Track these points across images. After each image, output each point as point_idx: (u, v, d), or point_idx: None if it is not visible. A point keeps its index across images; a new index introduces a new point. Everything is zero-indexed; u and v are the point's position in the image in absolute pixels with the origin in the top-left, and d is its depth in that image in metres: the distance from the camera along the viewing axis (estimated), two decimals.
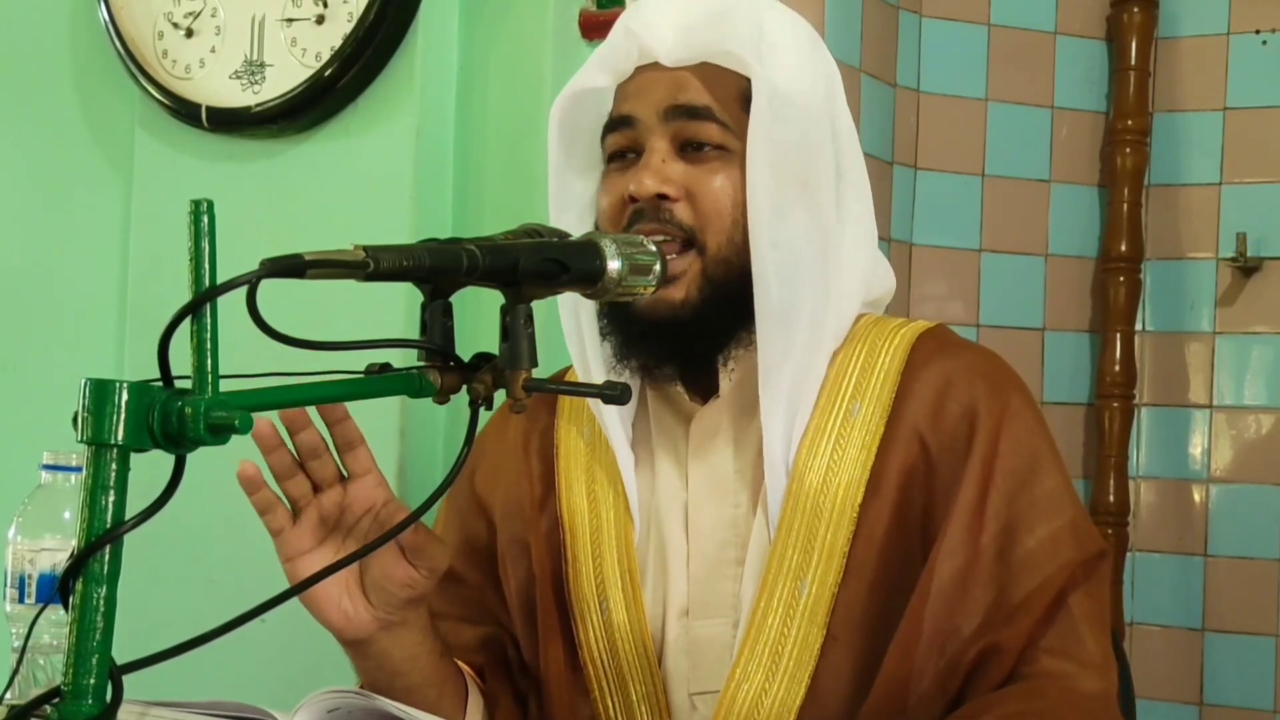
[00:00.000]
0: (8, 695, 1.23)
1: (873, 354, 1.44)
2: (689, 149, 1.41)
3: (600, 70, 1.46)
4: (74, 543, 0.96)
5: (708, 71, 1.41)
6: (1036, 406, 1.46)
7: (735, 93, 1.39)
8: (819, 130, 1.42)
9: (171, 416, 0.94)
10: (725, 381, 1.44)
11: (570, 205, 1.50)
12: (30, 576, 1.45)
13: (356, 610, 1.31)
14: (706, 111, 1.40)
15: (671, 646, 1.44)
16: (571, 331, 1.47)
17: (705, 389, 1.46)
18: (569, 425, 1.53)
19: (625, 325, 1.42)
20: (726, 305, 1.39)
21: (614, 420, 1.46)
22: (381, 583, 1.31)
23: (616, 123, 1.44)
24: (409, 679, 1.36)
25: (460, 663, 1.45)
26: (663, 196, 1.39)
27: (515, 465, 1.54)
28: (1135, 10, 2.80)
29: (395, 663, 1.35)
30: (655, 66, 1.42)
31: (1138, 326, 2.85)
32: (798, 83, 1.41)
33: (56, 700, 0.93)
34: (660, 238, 1.37)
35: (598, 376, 1.45)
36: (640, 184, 1.39)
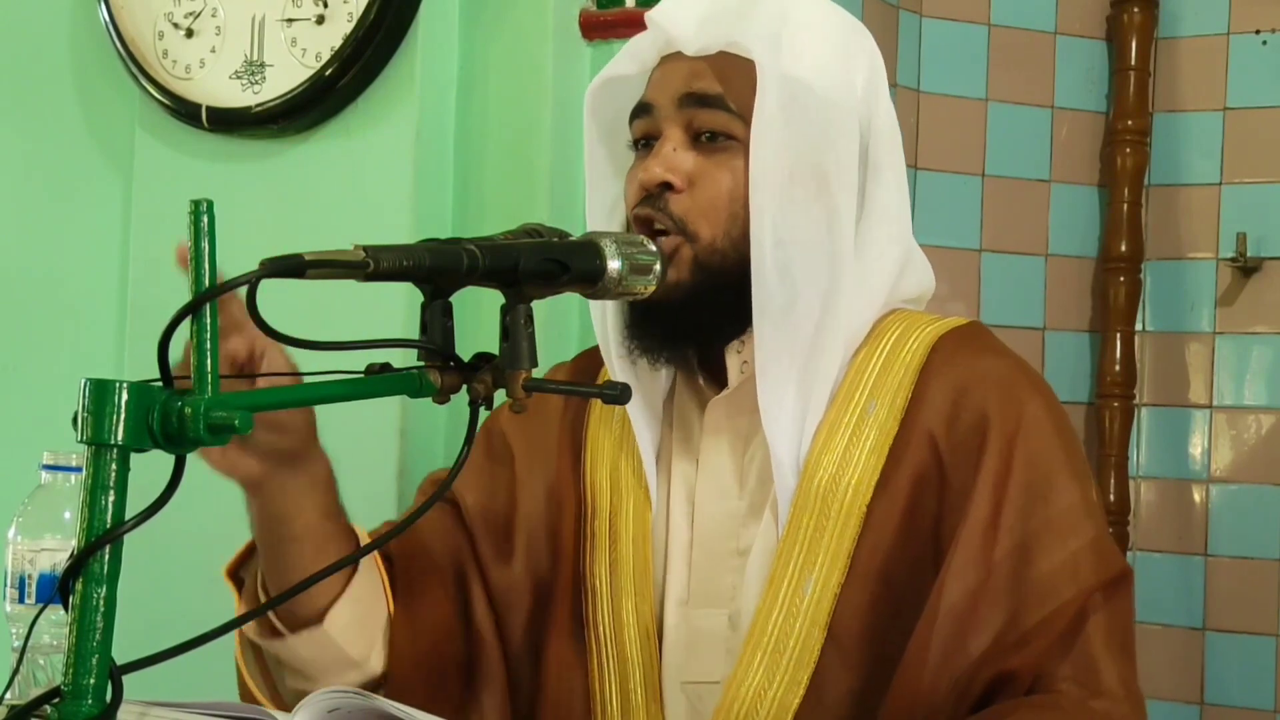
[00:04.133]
0: (8, 695, 1.23)
1: (897, 349, 1.43)
2: (703, 138, 1.40)
3: (628, 59, 1.47)
4: (74, 543, 0.96)
5: (727, 61, 1.40)
6: (1058, 413, 1.41)
7: (753, 84, 1.38)
8: (844, 123, 1.41)
9: (171, 416, 0.94)
10: (735, 373, 1.44)
11: (604, 197, 1.51)
12: (30, 576, 1.45)
13: (239, 458, 1.29)
14: (718, 100, 1.39)
15: (669, 634, 1.44)
16: (598, 319, 1.48)
17: (721, 379, 1.45)
18: (602, 405, 1.53)
19: (628, 307, 1.43)
20: (722, 295, 1.38)
21: (638, 405, 1.46)
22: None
23: (638, 109, 1.45)
24: (291, 528, 1.34)
25: (375, 559, 1.44)
26: (668, 186, 1.39)
27: (553, 420, 1.53)
28: (1135, 10, 2.81)
29: (280, 509, 1.33)
30: (679, 56, 1.42)
31: (1138, 326, 2.85)
32: (821, 73, 1.40)
33: (56, 700, 0.93)
34: (656, 225, 1.38)
35: (615, 360, 1.46)
36: (649, 172, 1.39)
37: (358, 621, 1.40)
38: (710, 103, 1.40)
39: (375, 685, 1.41)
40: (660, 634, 1.44)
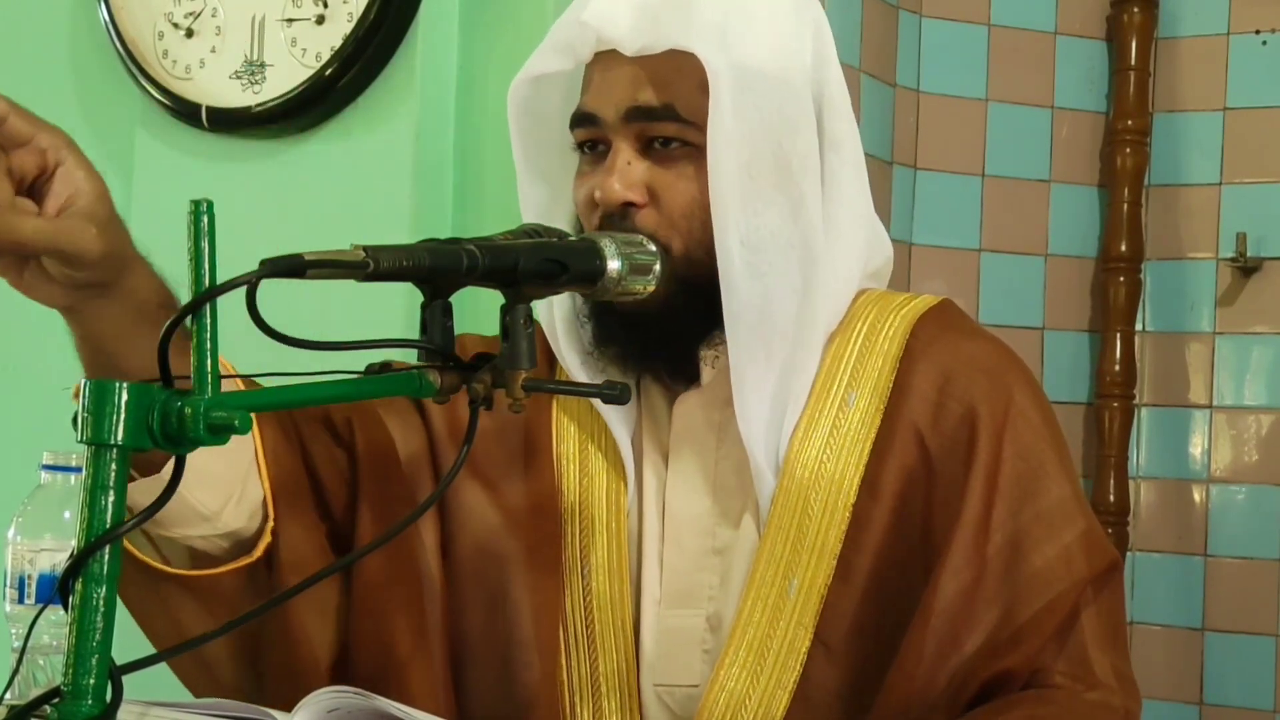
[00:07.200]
0: (8, 695, 1.23)
1: (872, 336, 1.40)
2: (655, 144, 1.35)
3: (558, 53, 1.39)
4: (74, 543, 0.96)
5: (670, 61, 1.33)
6: (1042, 401, 1.40)
7: (700, 82, 1.32)
8: (799, 102, 1.36)
9: (171, 416, 0.94)
10: (708, 369, 1.40)
11: (537, 197, 1.44)
12: (30, 576, 1.45)
13: (38, 283, 1.18)
14: (666, 111, 1.34)
15: (645, 634, 1.40)
16: (543, 312, 1.43)
17: (691, 376, 1.41)
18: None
19: (602, 316, 1.38)
20: (696, 301, 1.35)
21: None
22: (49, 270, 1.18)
23: (581, 118, 1.38)
24: (116, 362, 1.22)
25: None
26: (628, 203, 1.34)
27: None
28: (1135, 10, 2.81)
29: (102, 339, 1.22)
30: (616, 54, 1.35)
31: (1138, 326, 2.85)
32: (772, 54, 1.35)
33: (56, 700, 0.93)
34: None
35: (570, 360, 1.41)
36: (605, 190, 1.34)
37: (204, 473, 1.26)
38: (658, 115, 1.34)
39: (247, 546, 1.34)
40: (639, 633, 1.40)
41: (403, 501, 1.41)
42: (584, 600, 1.40)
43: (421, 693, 1.38)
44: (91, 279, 1.19)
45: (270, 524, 1.35)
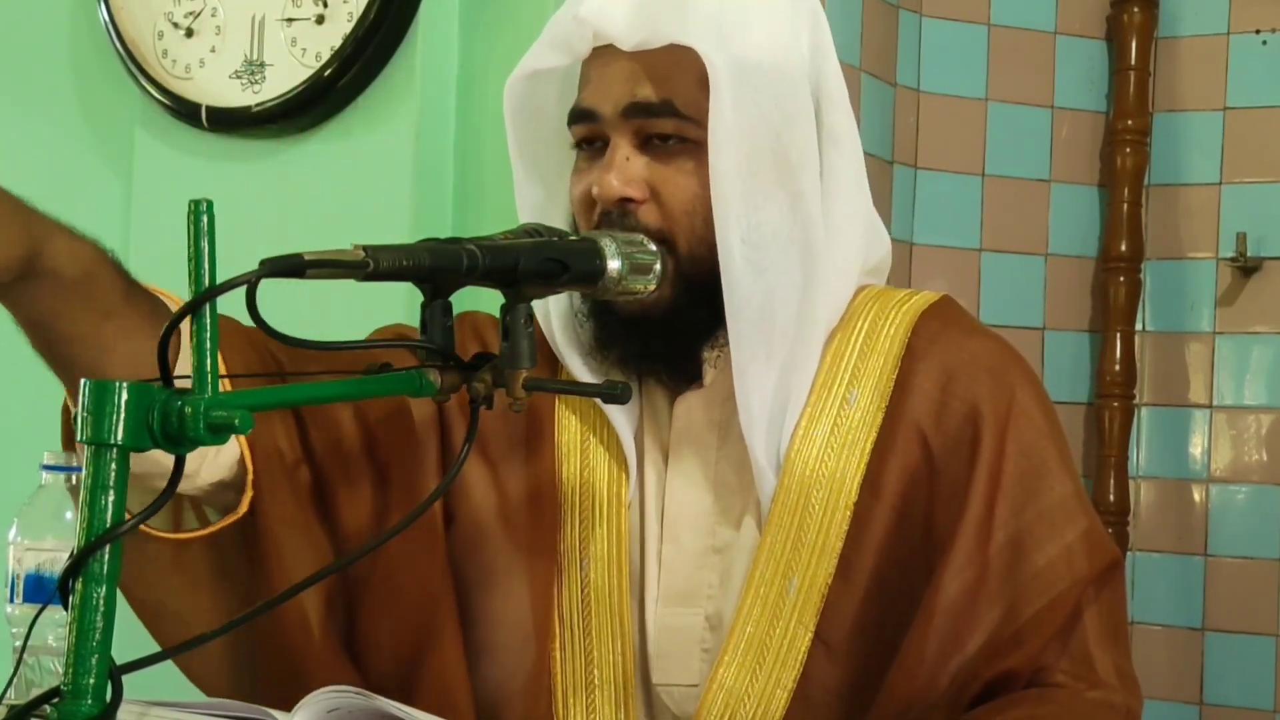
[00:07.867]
0: (8, 695, 1.23)
1: (873, 333, 1.39)
2: (654, 140, 1.34)
3: (555, 49, 1.37)
4: (73, 543, 0.96)
5: (669, 56, 1.32)
6: (1044, 399, 1.40)
7: (699, 77, 1.32)
8: (797, 99, 1.35)
9: (171, 416, 0.94)
10: (710, 368, 1.40)
11: (533, 196, 1.44)
12: (19, 577, 1.45)
13: None
14: (665, 107, 1.33)
15: (644, 631, 1.39)
16: (539, 311, 1.41)
17: (692, 376, 1.41)
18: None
19: (602, 315, 1.38)
20: (701, 300, 1.34)
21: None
22: None
23: (579, 114, 1.37)
24: (62, 332, 1.24)
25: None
26: (628, 199, 1.33)
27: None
28: (1135, 10, 2.81)
29: (37, 317, 1.24)
30: (614, 48, 1.34)
31: (1138, 326, 2.85)
32: (770, 47, 1.34)
33: (56, 700, 0.93)
34: None
35: (570, 359, 1.41)
36: (604, 186, 1.33)
37: None
38: (657, 111, 1.33)
39: (232, 490, 1.34)
40: (642, 631, 1.39)
41: (419, 463, 1.42)
42: (581, 591, 1.40)
43: (451, 647, 1.38)
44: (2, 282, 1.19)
45: (250, 476, 1.34)
